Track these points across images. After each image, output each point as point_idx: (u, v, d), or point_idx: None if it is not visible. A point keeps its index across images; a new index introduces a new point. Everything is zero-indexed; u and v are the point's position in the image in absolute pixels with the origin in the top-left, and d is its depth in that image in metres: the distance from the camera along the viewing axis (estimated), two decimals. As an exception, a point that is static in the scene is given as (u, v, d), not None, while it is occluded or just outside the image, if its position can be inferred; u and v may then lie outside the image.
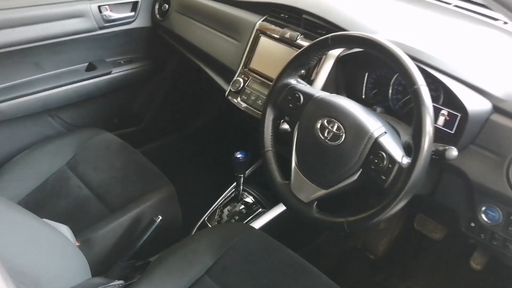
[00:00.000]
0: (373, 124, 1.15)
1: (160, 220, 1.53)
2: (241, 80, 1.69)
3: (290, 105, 1.29)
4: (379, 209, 1.08)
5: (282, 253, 1.41)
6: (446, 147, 1.11)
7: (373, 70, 1.45)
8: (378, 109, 1.38)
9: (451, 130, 1.24)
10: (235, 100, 1.70)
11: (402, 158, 1.08)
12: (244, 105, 1.66)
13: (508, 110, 1.16)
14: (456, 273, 1.85)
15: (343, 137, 1.15)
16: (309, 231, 2.08)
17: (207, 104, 2.59)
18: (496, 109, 1.18)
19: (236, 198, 1.82)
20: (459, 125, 1.22)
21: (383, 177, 1.09)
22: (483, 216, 1.22)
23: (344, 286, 1.33)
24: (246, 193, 1.85)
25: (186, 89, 2.48)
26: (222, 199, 1.86)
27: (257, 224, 1.72)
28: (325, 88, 1.45)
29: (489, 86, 1.21)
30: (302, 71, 1.38)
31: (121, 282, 1.31)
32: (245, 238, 1.45)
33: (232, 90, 1.71)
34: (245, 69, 1.71)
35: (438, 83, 1.23)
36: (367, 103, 1.42)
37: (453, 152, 1.10)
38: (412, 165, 1.05)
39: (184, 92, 2.49)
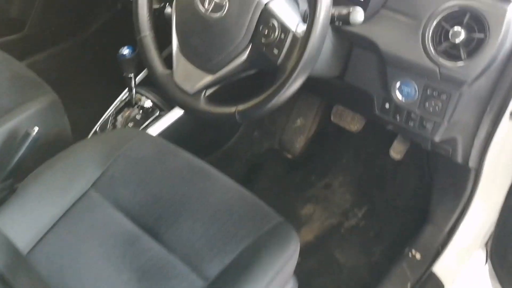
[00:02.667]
0: None
1: (37, 132, 1.30)
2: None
3: None
4: (273, 91, 0.91)
5: (179, 157, 1.23)
6: (350, 9, 0.91)
7: None
8: None
9: None
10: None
11: (296, 26, 0.90)
12: None
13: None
14: (376, 164, 1.76)
15: (227, 5, 0.95)
16: (219, 134, 1.91)
17: (101, 4, 2.29)
18: None
19: (130, 102, 1.60)
20: None
21: (276, 51, 0.90)
22: (398, 93, 1.07)
23: (259, 190, 1.18)
24: (144, 97, 1.63)
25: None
26: (115, 105, 1.64)
27: (155, 129, 1.52)
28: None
29: None
30: None
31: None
32: (136, 144, 1.25)
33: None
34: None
35: None
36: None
37: (358, 14, 0.91)
38: (307, 32, 0.86)
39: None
